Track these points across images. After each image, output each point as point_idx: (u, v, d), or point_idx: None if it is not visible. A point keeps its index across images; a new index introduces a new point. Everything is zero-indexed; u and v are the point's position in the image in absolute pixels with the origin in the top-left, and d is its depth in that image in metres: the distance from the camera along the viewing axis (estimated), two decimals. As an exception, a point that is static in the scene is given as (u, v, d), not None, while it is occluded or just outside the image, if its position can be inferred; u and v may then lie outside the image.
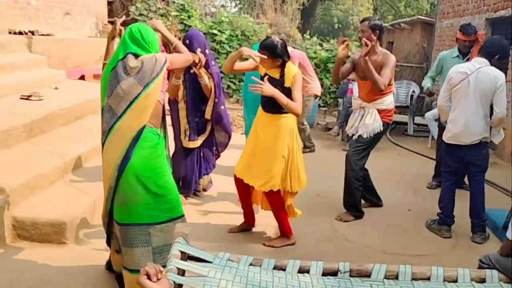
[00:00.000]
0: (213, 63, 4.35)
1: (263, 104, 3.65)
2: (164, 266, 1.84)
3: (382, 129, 4.19)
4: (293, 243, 3.78)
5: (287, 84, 3.48)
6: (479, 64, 3.87)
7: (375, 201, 4.71)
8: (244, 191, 3.82)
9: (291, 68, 3.56)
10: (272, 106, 3.55)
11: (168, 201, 2.70)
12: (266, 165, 3.55)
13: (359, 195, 4.42)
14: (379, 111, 4.20)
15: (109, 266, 3.05)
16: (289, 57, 3.55)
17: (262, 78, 3.53)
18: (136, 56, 2.67)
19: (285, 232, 3.77)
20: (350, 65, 4.30)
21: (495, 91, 3.79)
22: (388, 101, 4.24)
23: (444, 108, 4.17)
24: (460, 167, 4.14)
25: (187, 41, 4.15)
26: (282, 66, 3.51)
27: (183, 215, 2.76)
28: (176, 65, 2.98)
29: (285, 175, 3.57)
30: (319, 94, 6.76)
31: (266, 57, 3.45)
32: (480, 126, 3.88)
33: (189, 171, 4.49)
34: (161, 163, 2.72)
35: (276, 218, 3.76)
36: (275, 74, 3.52)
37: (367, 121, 4.20)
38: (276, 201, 3.66)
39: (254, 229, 4.01)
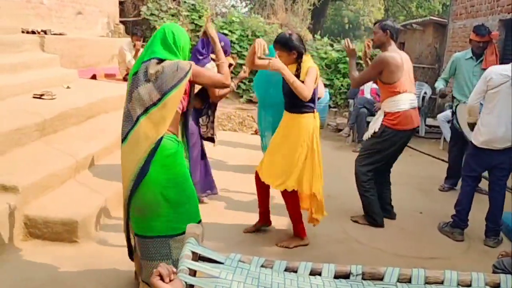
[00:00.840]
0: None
1: (285, 104, 3.66)
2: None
3: (376, 130, 4.06)
4: (306, 244, 3.77)
5: (302, 78, 3.45)
6: None
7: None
8: (263, 190, 3.80)
9: (307, 62, 3.53)
10: (292, 106, 3.57)
11: (188, 210, 2.60)
12: (283, 164, 3.55)
13: (369, 201, 4.25)
14: (385, 114, 4.09)
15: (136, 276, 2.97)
16: (305, 49, 3.53)
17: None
18: (161, 61, 2.53)
19: (298, 232, 3.76)
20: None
21: None
22: (392, 103, 4.02)
23: (475, 109, 4.00)
24: (484, 171, 4.06)
25: (222, 44, 4.16)
26: (299, 61, 3.50)
27: (200, 220, 2.68)
28: (202, 80, 2.65)
29: (301, 176, 3.53)
30: (322, 96, 6.70)
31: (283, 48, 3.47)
32: None
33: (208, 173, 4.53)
34: (182, 171, 2.61)
35: (290, 218, 3.76)
36: (292, 69, 3.49)
37: (372, 123, 4.19)
38: (291, 202, 3.66)
39: (267, 228, 4.00)
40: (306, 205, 3.75)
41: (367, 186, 4.23)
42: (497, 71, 3.81)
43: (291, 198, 3.64)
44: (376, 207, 4.27)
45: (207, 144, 4.55)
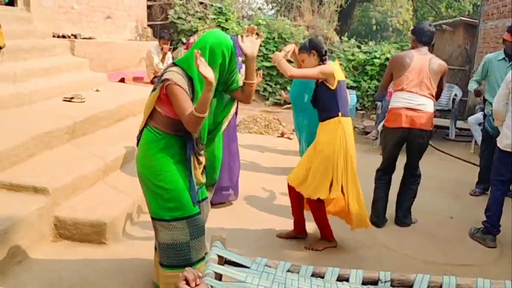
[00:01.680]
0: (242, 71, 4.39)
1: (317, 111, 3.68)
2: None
3: (377, 130, 4.22)
4: (334, 245, 3.74)
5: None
6: None
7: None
8: (296, 199, 3.74)
9: (328, 63, 3.56)
10: (319, 114, 3.60)
11: (167, 200, 2.61)
12: (307, 173, 3.53)
13: (374, 201, 4.27)
14: None
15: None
16: (325, 51, 3.54)
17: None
18: (174, 65, 2.60)
19: (326, 235, 3.74)
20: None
21: None
22: (391, 100, 4.17)
23: (501, 113, 3.92)
24: None
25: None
26: (322, 63, 3.52)
27: (190, 216, 2.63)
28: (172, 103, 2.48)
29: (329, 182, 3.47)
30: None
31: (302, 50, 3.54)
32: None
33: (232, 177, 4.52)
34: (158, 161, 2.60)
35: (316, 222, 3.73)
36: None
37: None
38: (315, 209, 3.64)
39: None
40: (333, 210, 3.71)
41: (376, 184, 4.32)
42: None
43: (315, 206, 3.61)
44: (379, 206, 4.26)
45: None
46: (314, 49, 3.51)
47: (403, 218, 4.32)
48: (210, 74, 2.30)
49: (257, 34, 2.70)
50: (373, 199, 4.28)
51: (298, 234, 3.89)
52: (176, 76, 2.49)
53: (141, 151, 2.67)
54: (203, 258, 2.67)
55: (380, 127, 4.20)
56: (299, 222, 3.87)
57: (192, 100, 2.52)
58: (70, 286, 2.93)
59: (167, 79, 2.46)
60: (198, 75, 2.42)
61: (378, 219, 4.23)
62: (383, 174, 4.29)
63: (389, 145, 4.17)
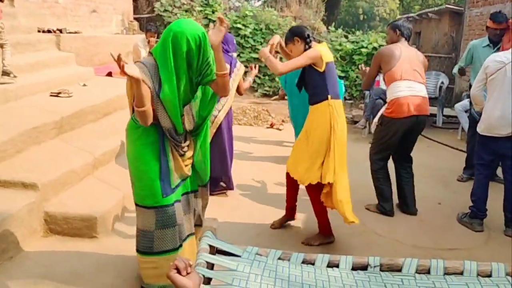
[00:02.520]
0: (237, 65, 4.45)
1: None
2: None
3: (376, 121, 4.20)
4: (331, 241, 3.69)
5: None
6: None
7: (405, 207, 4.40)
8: (292, 185, 3.75)
9: (314, 47, 3.50)
10: (308, 98, 3.56)
11: (140, 187, 2.68)
12: (302, 158, 3.51)
13: (381, 191, 4.30)
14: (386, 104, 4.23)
15: None
16: (307, 34, 3.50)
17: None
18: None
19: (323, 229, 3.68)
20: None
21: None
22: (389, 92, 4.08)
23: (478, 97, 4.03)
24: (494, 159, 4.02)
25: (234, 41, 4.44)
26: (306, 45, 3.50)
27: (158, 206, 2.65)
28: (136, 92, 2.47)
29: (319, 167, 3.44)
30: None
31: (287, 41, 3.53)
32: None
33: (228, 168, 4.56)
34: (135, 148, 2.68)
35: (316, 215, 3.69)
36: None
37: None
38: (313, 196, 3.59)
39: (292, 225, 3.98)
40: (330, 204, 3.57)
41: (378, 175, 4.29)
42: (493, 58, 3.87)
43: (313, 193, 3.58)
44: (386, 195, 4.29)
45: None
46: (296, 36, 3.49)
47: (414, 206, 4.37)
48: (134, 72, 2.38)
49: (221, 20, 2.61)
50: (380, 190, 4.30)
51: (288, 218, 3.94)
52: (140, 66, 2.55)
53: (126, 137, 2.76)
54: (169, 251, 2.70)
55: (377, 118, 4.17)
56: (292, 209, 3.91)
57: (160, 88, 2.54)
58: (62, 280, 2.93)
59: (139, 68, 2.51)
60: (161, 63, 2.51)
61: (391, 207, 4.29)
62: (384, 164, 4.30)
63: (396, 135, 4.10)
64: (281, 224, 3.93)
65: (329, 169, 3.40)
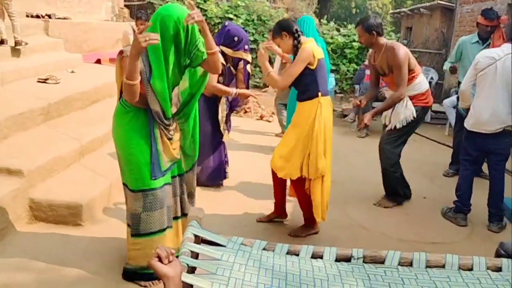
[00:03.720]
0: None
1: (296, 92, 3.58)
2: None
3: (415, 115, 4.07)
4: (317, 231, 3.72)
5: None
6: (508, 50, 3.74)
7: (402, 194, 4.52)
8: (278, 180, 3.72)
9: (305, 44, 3.41)
10: (298, 94, 3.51)
11: (130, 171, 2.73)
12: (286, 153, 3.49)
13: (400, 181, 4.39)
14: (411, 97, 4.12)
15: None
16: (295, 29, 3.40)
17: None
18: None
19: (308, 221, 3.70)
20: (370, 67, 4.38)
21: None
22: (417, 85, 4.13)
23: (467, 93, 4.04)
24: (480, 155, 4.06)
25: (236, 38, 4.16)
26: (297, 47, 3.39)
27: (146, 189, 2.71)
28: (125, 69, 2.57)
29: (304, 162, 3.43)
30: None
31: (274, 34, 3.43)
32: (505, 114, 3.77)
33: (220, 161, 4.57)
34: (124, 133, 2.71)
35: (300, 206, 3.71)
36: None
37: (398, 109, 4.11)
38: (299, 190, 3.59)
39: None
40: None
41: (398, 166, 4.33)
42: (484, 54, 3.88)
43: (297, 186, 3.58)
44: (404, 183, 4.45)
45: None
46: (284, 30, 3.40)
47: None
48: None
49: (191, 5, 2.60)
50: (399, 182, 4.38)
51: (278, 215, 3.92)
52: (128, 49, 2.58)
53: (113, 122, 2.77)
54: (155, 232, 2.77)
55: (410, 115, 4.09)
56: (280, 204, 3.88)
57: (151, 72, 2.57)
58: (46, 267, 2.92)
59: (122, 51, 2.60)
60: (150, 48, 2.48)
61: (409, 191, 4.53)
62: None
63: (415, 126, 4.27)
64: (269, 220, 3.91)
65: (311, 165, 3.40)
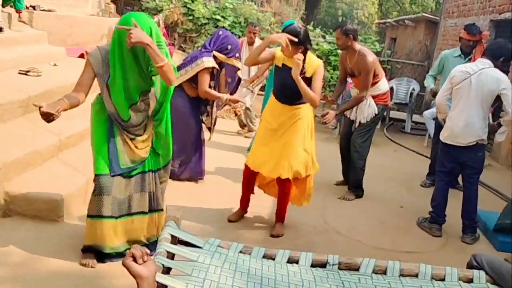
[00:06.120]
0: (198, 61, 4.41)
1: (282, 97, 3.65)
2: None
3: (377, 112, 4.61)
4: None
5: (308, 74, 3.48)
6: (482, 65, 3.85)
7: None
8: (251, 180, 3.86)
9: (313, 58, 3.57)
10: (290, 98, 3.60)
11: (93, 157, 2.93)
12: (287, 155, 3.57)
13: (362, 174, 4.76)
14: (374, 97, 4.62)
15: None
16: (311, 45, 3.55)
17: (277, 69, 3.61)
18: None
19: (282, 218, 3.83)
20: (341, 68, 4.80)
21: (497, 93, 3.78)
22: (380, 86, 4.65)
23: (443, 106, 4.14)
24: (455, 167, 4.14)
25: (229, 47, 4.30)
26: (304, 55, 3.42)
27: (96, 174, 2.92)
28: None
29: (309, 159, 3.68)
30: None
31: (293, 40, 3.37)
32: (478, 128, 3.87)
33: (200, 158, 4.70)
34: (92, 122, 2.98)
35: (283, 204, 3.80)
36: (291, 62, 3.45)
37: (362, 107, 4.61)
38: (287, 188, 3.72)
39: (248, 216, 4.03)
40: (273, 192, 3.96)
41: (364, 163, 4.74)
42: (460, 68, 3.99)
43: (287, 185, 3.70)
44: (362, 176, 4.82)
45: None
46: (303, 45, 3.42)
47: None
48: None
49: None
50: (362, 175, 4.78)
51: (245, 211, 3.98)
52: (95, 51, 2.84)
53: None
54: (93, 216, 2.92)
55: (372, 112, 4.65)
56: (246, 201, 3.97)
57: (109, 76, 2.78)
58: (19, 262, 2.87)
59: (86, 51, 2.74)
60: (110, 52, 2.75)
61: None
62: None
63: (377, 121, 4.78)
64: (239, 218, 3.94)
65: (309, 163, 3.69)
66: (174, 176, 4.52)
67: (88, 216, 2.95)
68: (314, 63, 3.51)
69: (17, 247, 3.02)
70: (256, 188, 4.03)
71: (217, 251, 2.06)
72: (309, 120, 3.67)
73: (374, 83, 4.56)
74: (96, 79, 2.90)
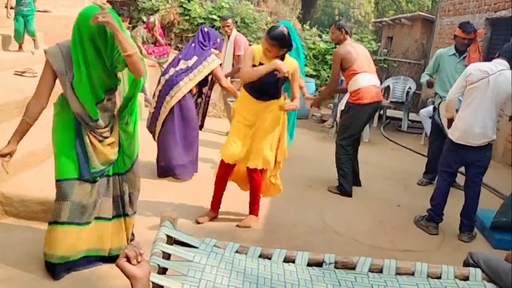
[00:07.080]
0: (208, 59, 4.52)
1: (258, 93, 3.68)
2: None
3: (342, 108, 4.74)
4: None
5: (286, 74, 3.53)
6: (501, 66, 3.78)
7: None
8: (226, 177, 3.85)
9: (290, 59, 3.69)
10: (267, 95, 3.67)
11: (57, 161, 2.77)
12: (263, 146, 3.64)
13: (344, 173, 4.73)
14: (350, 94, 4.69)
15: None
16: (292, 46, 3.61)
17: (255, 67, 3.61)
18: None
19: (256, 210, 3.89)
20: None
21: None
22: (353, 83, 4.59)
23: (453, 104, 4.06)
24: (460, 167, 4.12)
25: (218, 40, 4.55)
26: (282, 56, 3.57)
27: (56, 180, 2.77)
28: None
29: (280, 147, 3.78)
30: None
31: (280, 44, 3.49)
32: (490, 129, 3.82)
33: (195, 155, 4.77)
34: (54, 122, 2.82)
35: (255, 197, 3.86)
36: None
37: (340, 103, 4.87)
38: (260, 180, 3.79)
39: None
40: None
41: (343, 159, 4.72)
42: (477, 67, 3.88)
43: (260, 177, 3.76)
44: (349, 179, 4.76)
45: None
46: (287, 48, 3.57)
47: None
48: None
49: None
50: (343, 173, 4.74)
51: (216, 214, 3.93)
52: (54, 49, 2.71)
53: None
54: (56, 223, 2.76)
55: (340, 108, 4.74)
56: (219, 202, 3.92)
57: (73, 76, 2.62)
58: (16, 263, 2.86)
59: (45, 50, 2.69)
60: (72, 50, 2.61)
61: (350, 188, 4.78)
62: (350, 149, 4.75)
63: (362, 120, 4.66)
64: (211, 219, 3.89)
65: (280, 149, 3.79)
66: (178, 177, 4.61)
67: (49, 223, 2.81)
68: (292, 64, 3.63)
69: (13, 248, 3.01)
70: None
71: (213, 251, 2.06)
72: (280, 113, 3.72)
73: (349, 77, 4.60)
74: (58, 79, 2.72)
